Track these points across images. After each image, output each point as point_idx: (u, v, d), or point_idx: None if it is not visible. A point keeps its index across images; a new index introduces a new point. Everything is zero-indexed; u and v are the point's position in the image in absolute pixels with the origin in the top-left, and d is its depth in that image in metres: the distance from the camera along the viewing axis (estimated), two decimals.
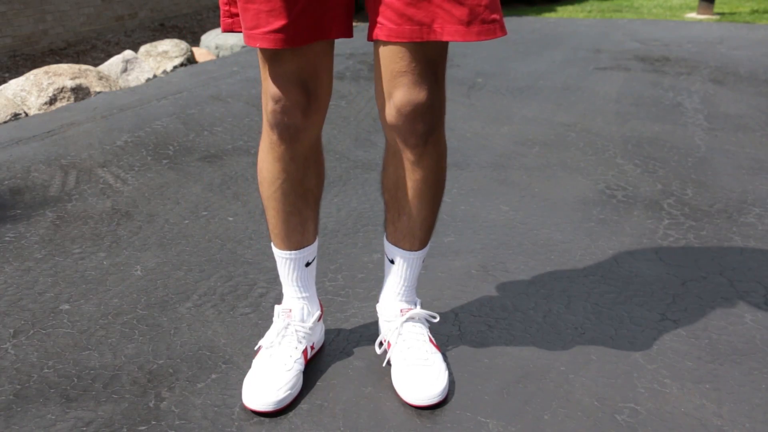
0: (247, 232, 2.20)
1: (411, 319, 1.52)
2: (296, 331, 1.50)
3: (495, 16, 1.19)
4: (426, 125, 1.29)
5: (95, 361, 1.56)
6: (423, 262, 1.52)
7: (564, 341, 1.64)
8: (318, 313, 1.55)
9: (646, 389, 1.48)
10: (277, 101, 1.29)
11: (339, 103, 3.74)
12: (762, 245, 2.14)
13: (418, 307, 1.54)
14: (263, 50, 1.26)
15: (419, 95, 1.26)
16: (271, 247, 2.10)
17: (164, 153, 2.94)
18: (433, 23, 1.18)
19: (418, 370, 1.44)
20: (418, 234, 1.45)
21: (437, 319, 1.57)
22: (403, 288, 1.52)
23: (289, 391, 1.40)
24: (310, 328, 1.52)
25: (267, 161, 1.39)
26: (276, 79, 1.27)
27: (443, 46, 1.26)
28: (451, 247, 2.11)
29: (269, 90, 1.29)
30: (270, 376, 1.41)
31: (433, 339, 1.55)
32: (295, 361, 1.46)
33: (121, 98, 3.78)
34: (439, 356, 1.49)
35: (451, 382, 1.49)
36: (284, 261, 1.48)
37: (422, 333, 1.52)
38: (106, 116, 3.45)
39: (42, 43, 5.17)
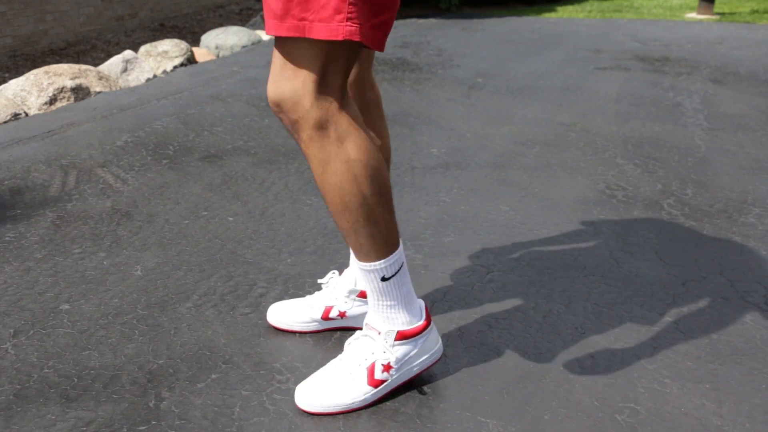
0: (247, 232, 2.20)
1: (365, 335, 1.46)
2: (329, 285, 1.67)
3: (306, 15, 1.18)
4: (285, 120, 1.27)
5: (95, 361, 1.56)
6: (381, 284, 1.37)
7: (564, 341, 1.64)
8: (354, 289, 1.63)
9: (646, 389, 1.48)
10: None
11: None
12: (762, 245, 2.14)
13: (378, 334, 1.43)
14: None
15: (271, 87, 1.26)
16: (271, 247, 2.10)
17: (164, 153, 2.94)
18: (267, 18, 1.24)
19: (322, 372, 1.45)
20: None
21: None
22: (371, 302, 1.43)
23: (288, 323, 1.66)
24: (344, 296, 1.64)
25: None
26: None
27: (296, 43, 1.21)
28: (451, 247, 2.11)
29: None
30: (291, 304, 1.68)
31: (375, 373, 1.42)
32: (309, 306, 1.65)
33: (121, 98, 3.78)
34: (354, 381, 1.41)
35: (451, 382, 1.49)
36: None
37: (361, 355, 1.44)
38: (106, 116, 3.45)
39: (42, 43, 5.17)
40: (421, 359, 1.45)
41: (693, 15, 7.42)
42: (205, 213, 2.35)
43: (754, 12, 7.65)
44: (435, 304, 1.79)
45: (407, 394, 1.45)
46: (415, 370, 1.46)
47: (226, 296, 1.83)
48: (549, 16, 7.32)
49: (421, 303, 1.47)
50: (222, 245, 2.12)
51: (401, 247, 1.39)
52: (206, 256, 2.05)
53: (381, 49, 1.25)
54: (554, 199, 2.48)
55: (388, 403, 1.42)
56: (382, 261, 1.36)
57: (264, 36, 5.63)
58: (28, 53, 5.04)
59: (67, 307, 1.78)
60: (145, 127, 3.27)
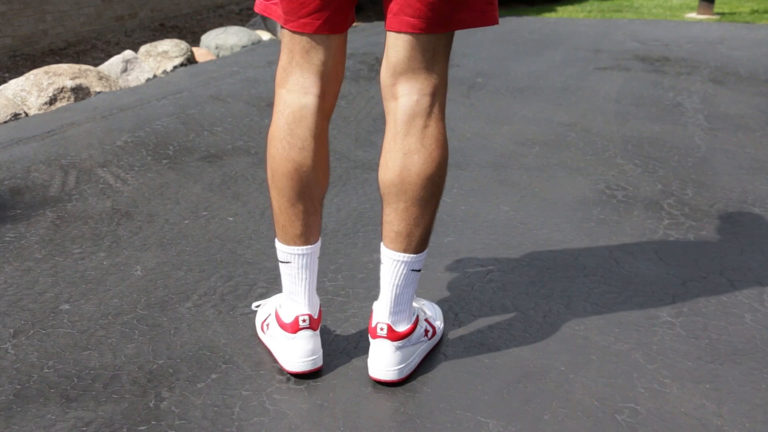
0: (247, 232, 2.20)
1: None
2: None
3: None
4: None
5: (95, 361, 1.56)
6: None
7: (564, 341, 1.64)
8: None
9: (646, 389, 1.48)
10: None
11: (339, 103, 3.74)
12: (762, 245, 2.14)
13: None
14: None
15: None
16: (271, 247, 2.10)
17: (164, 153, 2.94)
18: None
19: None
20: None
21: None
22: None
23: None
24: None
25: None
26: None
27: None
28: (451, 247, 2.11)
29: None
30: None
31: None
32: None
33: (121, 98, 3.78)
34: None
35: (451, 382, 1.49)
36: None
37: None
38: (106, 116, 3.45)
39: (42, 43, 5.17)
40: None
41: (693, 15, 7.42)
42: (205, 213, 2.35)
43: (754, 12, 7.65)
44: (435, 303, 1.79)
45: (407, 394, 1.45)
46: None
47: (226, 296, 1.83)
48: (549, 16, 7.32)
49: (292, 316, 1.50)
50: (222, 245, 2.12)
51: (288, 248, 1.46)
52: (206, 256, 2.05)
53: (280, 22, 1.38)
54: (554, 199, 2.48)
55: (388, 403, 1.42)
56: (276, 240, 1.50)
57: (264, 36, 5.63)
58: (28, 53, 5.04)
59: (67, 307, 1.78)
60: (145, 127, 3.27)
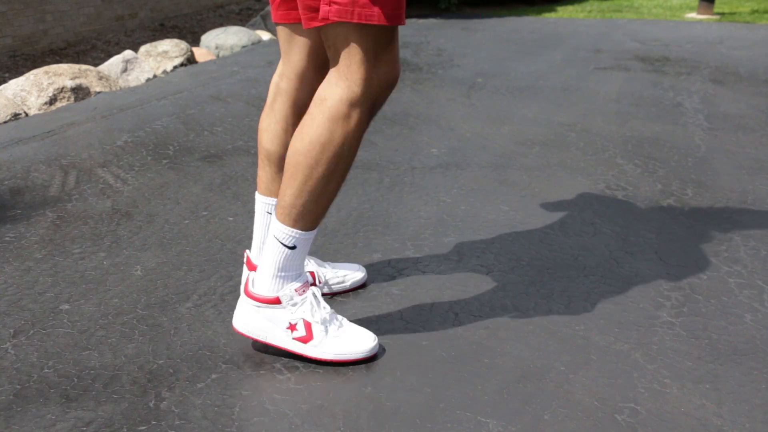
0: (247, 232, 2.20)
1: None
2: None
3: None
4: None
5: (95, 361, 1.56)
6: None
7: (564, 341, 1.64)
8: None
9: (646, 389, 1.48)
10: (397, 76, 1.44)
11: None
12: (762, 245, 2.14)
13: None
14: (395, 29, 1.39)
15: None
16: None
17: (164, 153, 2.94)
18: None
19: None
20: None
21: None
22: None
23: None
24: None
25: (358, 138, 1.44)
26: (396, 54, 1.43)
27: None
28: (451, 247, 2.11)
29: (397, 66, 1.42)
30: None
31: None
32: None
33: (121, 98, 3.78)
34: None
35: (451, 382, 1.49)
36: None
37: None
38: (106, 116, 3.45)
39: (42, 43, 5.17)
40: None
41: (693, 15, 7.42)
42: (205, 213, 2.35)
43: (754, 12, 7.64)
44: (435, 304, 1.79)
45: (407, 394, 1.45)
46: None
47: (226, 296, 1.83)
48: (549, 16, 7.32)
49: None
50: (222, 245, 2.12)
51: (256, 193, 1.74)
52: (206, 256, 2.05)
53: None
54: (554, 199, 2.48)
55: (388, 403, 1.42)
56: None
57: (264, 36, 5.62)
58: (28, 53, 5.04)
59: (67, 307, 1.78)
60: (145, 127, 3.27)
